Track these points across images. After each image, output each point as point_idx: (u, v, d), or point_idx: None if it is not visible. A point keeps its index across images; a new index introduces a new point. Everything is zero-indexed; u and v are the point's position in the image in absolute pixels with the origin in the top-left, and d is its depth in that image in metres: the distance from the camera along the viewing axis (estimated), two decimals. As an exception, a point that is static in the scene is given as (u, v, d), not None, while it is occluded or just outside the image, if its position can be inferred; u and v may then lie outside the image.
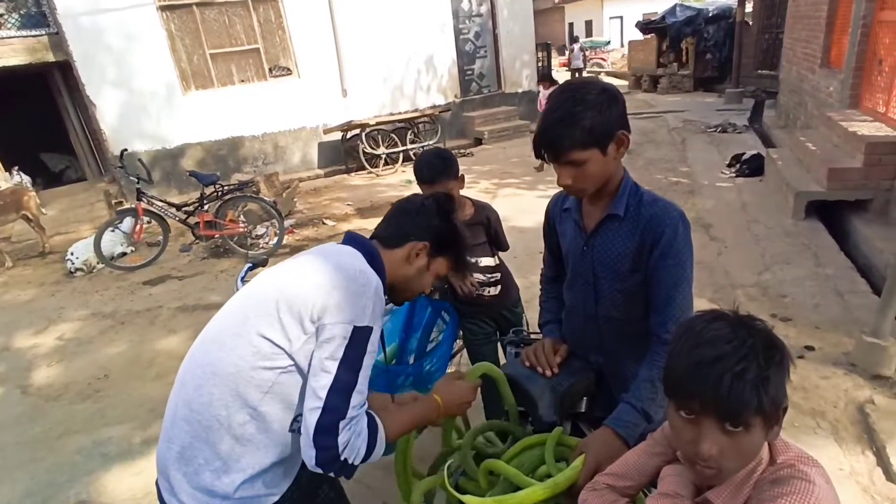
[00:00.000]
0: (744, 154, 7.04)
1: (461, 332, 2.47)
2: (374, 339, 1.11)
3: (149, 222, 5.86)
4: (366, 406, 1.11)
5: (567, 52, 18.48)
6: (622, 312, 1.41)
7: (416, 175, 2.07)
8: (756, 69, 12.99)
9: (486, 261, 2.26)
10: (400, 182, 8.34)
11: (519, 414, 1.64)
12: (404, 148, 9.35)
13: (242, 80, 8.56)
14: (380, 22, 9.53)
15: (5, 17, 7.83)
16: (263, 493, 1.17)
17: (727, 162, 7.17)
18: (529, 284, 2.76)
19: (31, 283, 5.68)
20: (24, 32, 7.70)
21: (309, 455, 1.05)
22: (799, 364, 2.98)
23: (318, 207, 7.35)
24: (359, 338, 1.07)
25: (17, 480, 2.77)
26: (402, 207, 1.34)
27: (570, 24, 30.22)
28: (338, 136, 9.34)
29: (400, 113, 9.98)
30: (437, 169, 2.01)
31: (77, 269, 5.69)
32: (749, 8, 13.48)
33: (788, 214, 5.11)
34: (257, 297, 1.16)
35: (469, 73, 11.09)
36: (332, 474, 1.10)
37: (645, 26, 16.86)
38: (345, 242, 1.27)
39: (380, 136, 9.20)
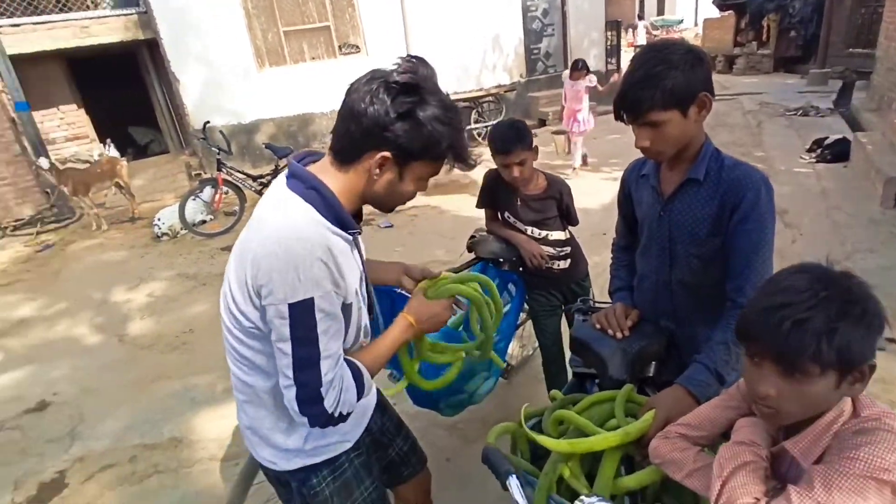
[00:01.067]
0: (826, 138, 6.62)
1: (527, 304, 2.51)
2: (324, 303, 1.00)
3: (227, 192, 6.23)
4: (340, 361, 1.07)
5: (632, 31, 17.86)
6: (697, 277, 1.42)
7: (490, 146, 2.12)
8: (847, 47, 12.01)
9: (557, 234, 2.28)
10: (461, 161, 8.38)
11: (584, 377, 1.70)
12: (468, 127, 9.36)
13: (313, 58, 8.81)
14: (447, 0, 9.51)
15: (102, -3, 8.40)
16: (335, 440, 1.23)
17: (807, 147, 6.77)
18: (594, 265, 2.77)
19: (123, 246, 6.20)
20: (117, 12, 8.24)
21: (303, 422, 1.05)
22: (880, 356, 2.84)
23: (382, 184, 7.53)
24: (298, 313, 0.98)
25: (120, 416, 3.11)
26: (348, 108, 1.03)
27: (641, 2, 28.87)
28: (401, 114, 9.46)
29: (465, 92, 9.97)
30: (510, 139, 2.04)
31: (163, 234, 6.15)
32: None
33: (876, 202, 4.80)
34: (233, 266, 1.10)
35: (535, 52, 10.89)
36: (331, 427, 1.11)
37: (723, 2, 15.90)
38: (287, 180, 1.08)
39: (443, 116, 9.24)
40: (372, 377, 1.16)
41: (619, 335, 1.49)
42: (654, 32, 18.83)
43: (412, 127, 1.00)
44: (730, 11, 15.59)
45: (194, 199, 6.17)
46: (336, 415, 1.05)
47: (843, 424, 0.85)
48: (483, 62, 10.30)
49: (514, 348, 3.03)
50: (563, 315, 2.45)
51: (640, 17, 19.08)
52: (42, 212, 7.42)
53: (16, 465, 2.80)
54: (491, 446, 1.13)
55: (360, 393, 1.10)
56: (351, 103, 1.01)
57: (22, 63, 7.42)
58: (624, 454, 1.23)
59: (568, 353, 2.28)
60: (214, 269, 5.13)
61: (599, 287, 2.53)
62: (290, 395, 1.02)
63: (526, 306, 2.55)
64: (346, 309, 1.10)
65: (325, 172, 1.08)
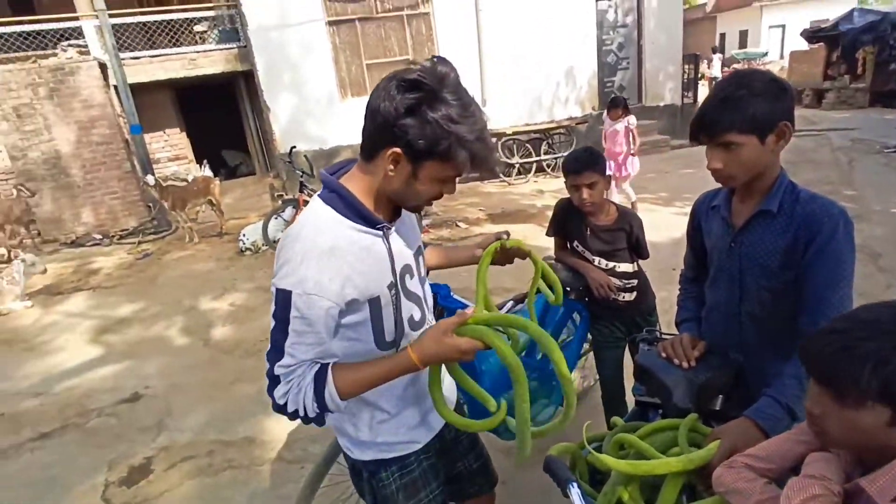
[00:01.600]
0: (931, 178, 6.12)
1: (590, 334, 2.50)
2: (300, 303, 1.02)
3: (306, 212, 6.63)
4: (304, 366, 1.08)
5: (707, 63, 17.45)
6: (767, 310, 1.40)
7: (563, 168, 2.19)
8: (956, 83, 11.10)
9: (625, 266, 2.27)
10: (532, 192, 8.45)
11: (648, 405, 1.69)
12: (538, 158, 9.46)
13: (392, 89, 9.30)
14: (523, 35, 9.75)
15: (208, 32, 9.32)
16: (403, 440, 1.30)
17: (908, 187, 6.29)
18: (661, 299, 2.72)
19: (210, 258, 6.72)
20: (221, 46, 9.11)
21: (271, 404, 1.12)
22: None
23: (452, 210, 7.73)
24: (280, 299, 1.04)
25: (201, 413, 3.36)
26: (368, 106, 1.06)
27: (722, 35, 28.09)
28: (473, 143, 9.70)
29: (536, 123, 10.10)
30: (584, 160, 2.10)
31: (246, 249, 6.62)
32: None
33: None
34: None
35: (609, 84, 10.88)
36: (302, 422, 1.12)
37: (812, 35, 15.19)
38: (321, 190, 1.16)
39: (515, 146, 9.41)
40: (349, 397, 1.11)
41: (685, 364, 1.48)
42: (735, 66, 18.23)
43: (418, 123, 1.00)
44: (820, 44, 14.86)
45: (276, 218, 6.61)
46: (288, 409, 1.08)
47: None
48: (556, 95, 10.41)
49: (575, 378, 3.01)
50: (626, 348, 2.42)
51: (715, 51, 18.58)
52: (144, 223, 8.20)
53: (110, 447, 3.09)
54: (553, 456, 1.17)
55: (320, 403, 1.08)
56: (370, 101, 1.05)
57: (137, 90, 8.34)
58: (685, 483, 1.22)
59: (628, 388, 2.26)
60: (290, 284, 5.44)
61: (667, 322, 2.48)
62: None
63: (589, 336, 2.54)
64: (374, 303, 1.14)
65: (352, 177, 1.14)
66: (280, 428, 3.10)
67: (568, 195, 2.26)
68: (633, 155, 6.20)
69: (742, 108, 1.21)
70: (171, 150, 10.36)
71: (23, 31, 8.11)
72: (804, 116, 12.80)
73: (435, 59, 1.05)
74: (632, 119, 6.14)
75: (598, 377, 2.62)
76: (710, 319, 1.59)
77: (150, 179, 7.07)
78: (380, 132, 1.04)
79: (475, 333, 1.12)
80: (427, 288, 1.35)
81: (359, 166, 1.14)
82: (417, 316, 1.26)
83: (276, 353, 1.07)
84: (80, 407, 3.55)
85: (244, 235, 6.71)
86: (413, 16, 9.20)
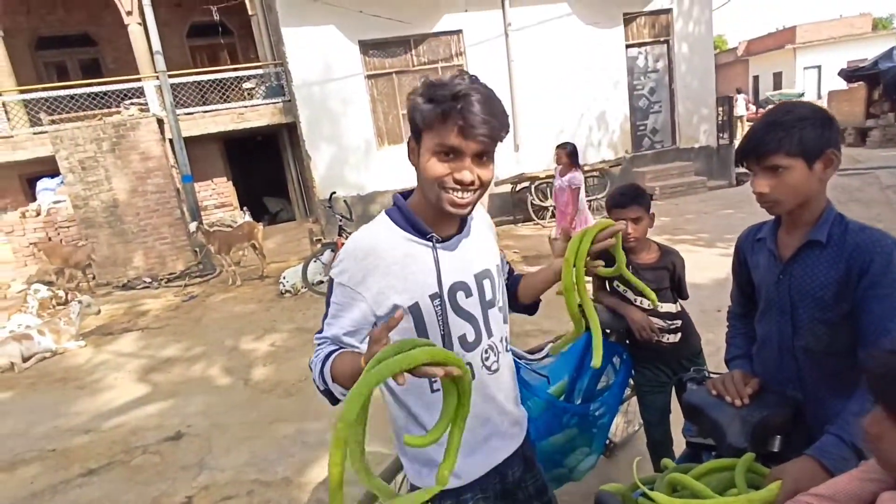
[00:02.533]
0: None
1: (632, 379, 2.42)
2: (338, 290, 1.17)
3: (344, 256, 6.79)
4: (328, 340, 1.17)
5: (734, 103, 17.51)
6: (824, 344, 1.35)
7: (607, 203, 2.21)
8: None
9: (668, 307, 2.21)
10: (565, 233, 8.45)
11: (701, 447, 1.62)
12: (571, 201, 9.49)
13: (427, 137, 9.61)
14: (555, 81, 10.02)
15: (255, 89, 9.93)
16: (456, 467, 1.21)
17: (967, 225, 6.00)
18: (707, 341, 2.64)
19: (252, 300, 6.90)
20: (267, 101, 9.67)
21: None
22: None
23: (486, 252, 7.77)
24: (330, 285, 1.21)
25: (241, 452, 3.39)
26: None
27: (756, 77, 28.07)
28: (507, 187, 9.85)
29: (568, 167, 10.19)
30: (630, 195, 2.12)
31: (286, 291, 6.79)
32: None
33: None
34: None
35: (641, 128, 10.96)
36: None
37: (850, 74, 15.01)
38: None
39: (548, 189, 9.48)
40: (337, 379, 1.07)
41: (737, 402, 1.43)
42: (768, 106, 18.12)
43: (411, 108, 1.13)
44: (859, 83, 14.65)
45: (315, 262, 6.79)
46: (313, 375, 1.15)
47: None
48: (588, 139, 10.54)
49: (618, 424, 2.90)
50: (672, 392, 2.33)
51: (739, 91, 18.52)
52: (190, 267, 8.54)
53: (154, 485, 3.13)
54: (605, 491, 1.14)
55: (320, 379, 1.12)
56: None
57: (189, 143, 8.88)
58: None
59: (675, 434, 2.16)
60: (329, 325, 5.53)
61: (714, 365, 2.40)
62: None
63: (631, 381, 2.45)
64: (415, 311, 1.18)
65: (414, 193, 1.25)
66: (319, 469, 3.09)
67: None
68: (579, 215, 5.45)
69: (790, 132, 1.23)
70: (217, 197, 10.88)
71: (91, 92, 8.84)
72: (849, 155, 12.47)
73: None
74: (576, 176, 5.34)
75: (641, 423, 2.53)
76: (762, 355, 1.55)
77: (191, 226, 7.43)
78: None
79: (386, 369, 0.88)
80: (494, 314, 1.29)
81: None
82: (471, 337, 1.24)
83: (322, 323, 1.21)
84: (125, 444, 3.63)
85: (284, 278, 6.89)
86: (447, 67, 9.59)
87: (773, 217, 1.45)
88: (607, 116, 10.56)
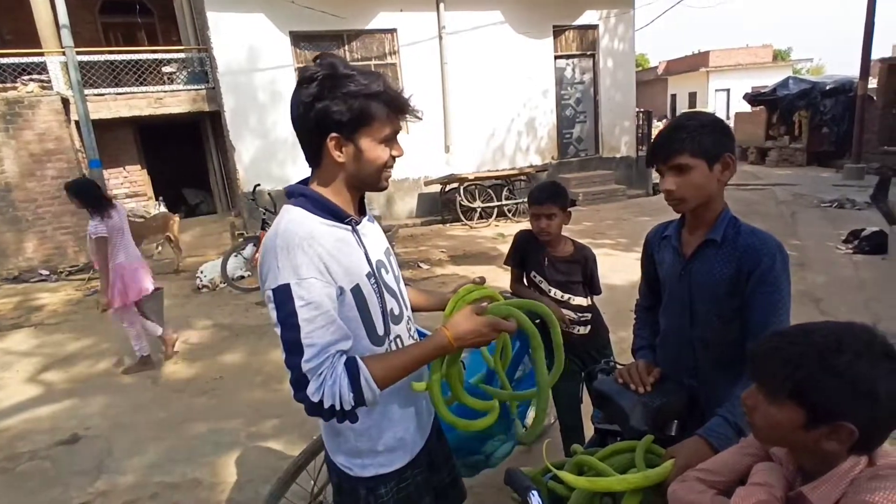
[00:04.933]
0: (863, 230, 6.59)
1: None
2: (301, 290, 1.06)
3: (267, 251, 6.54)
4: (332, 353, 1.08)
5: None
6: (717, 335, 1.47)
7: (528, 199, 2.30)
8: (881, 145, 12.16)
9: (579, 300, 2.35)
10: (493, 235, 8.62)
11: (607, 432, 1.72)
12: (499, 203, 9.71)
13: (358, 134, 9.48)
14: (487, 86, 10.21)
15: (176, 73, 9.36)
16: (401, 445, 1.29)
17: (843, 238, 6.74)
18: (619, 339, 2.80)
19: (165, 295, 6.46)
20: (189, 87, 9.14)
21: (304, 408, 1.11)
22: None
23: (415, 252, 7.78)
24: (280, 298, 1.06)
25: (145, 453, 3.17)
26: (293, 124, 1.17)
27: (673, 96, 30.07)
28: (437, 188, 9.91)
29: (498, 170, 10.42)
30: (548, 191, 2.23)
31: (203, 286, 6.44)
32: (873, 83, 12.81)
33: (916, 295, 4.70)
34: None
35: (567, 136, 11.41)
36: (336, 421, 1.12)
37: (754, 98, 16.46)
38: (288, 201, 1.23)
39: (477, 191, 9.64)
40: (384, 385, 1.13)
41: (640, 389, 1.52)
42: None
43: (332, 102, 1.09)
44: (761, 107, 16.09)
45: (236, 256, 6.49)
46: (325, 406, 1.07)
47: (859, 472, 0.88)
48: (517, 144, 10.84)
49: (531, 415, 3.00)
50: (583, 382, 2.45)
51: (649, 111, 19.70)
52: (95, 260, 7.88)
53: (42, 492, 2.86)
54: (514, 468, 1.17)
55: (357, 392, 1.08)
56: (292, 122, 1.17)
57: (99, 126, 8.21)
58: (643, 501, 1.25)
59: (586, 423, 2.27)
60: (249, 322, 5.30)
61: (626, 360, 2.53)
62: (289, 378, 1.10)
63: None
64: (357, 293, 1.16)
65: (312, 182, 1.22)
66: (231, 469, 2.96)
67: (529, 228, 2.34)
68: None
69: (692, 134, 1.35)
70: (130, 186, 10.15)
71: (-19, 64, 7.96)
72: (751, 172, 13.67)
73: (317, 59, 1.15)
74: (97, 226, 3.78)
75: (556, 413, 2.64)
76: (664, 346, 1.65)
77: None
78: (310, 133, 1.14)
79: (498, 311, 1.28)
80: (402, 287, 1.37)
81: (312, 178, 1.23)
82: (397, 311, 1.29)
83: (295, 352, 1.06)
84: (10, 450, 3.30)
85: (202, 272, 6.54)
86: (381, 66, 9.51)
87: (678, 217, 1.56)
88: (536, 123, 10.91)
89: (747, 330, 1.41)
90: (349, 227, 1.20)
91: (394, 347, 1.26)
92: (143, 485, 2.87)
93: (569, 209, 2.28)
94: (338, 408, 1.08)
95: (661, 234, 1.65)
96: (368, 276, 1.20)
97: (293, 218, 1.14)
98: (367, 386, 1.09)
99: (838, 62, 49.92)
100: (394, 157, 1.21)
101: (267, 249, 1.11)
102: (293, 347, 1.07)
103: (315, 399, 1.06)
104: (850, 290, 5.12)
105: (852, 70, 12.98)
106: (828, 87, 13.96)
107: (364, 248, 1.22)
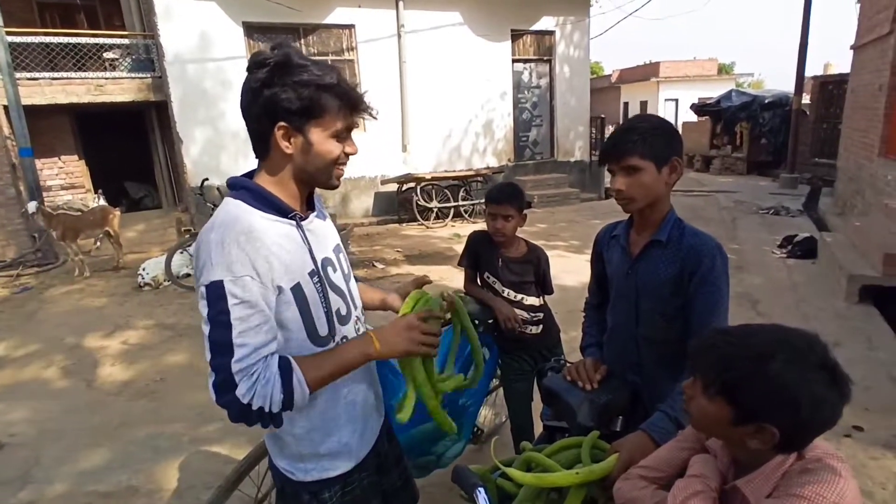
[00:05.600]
0: (796, 236, 6.99)
1: (498, 369, 2.54)
2: (235, 288, 1.01)
3: (215, 248, 6.30)
4: (265, 353, 1.05)
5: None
6: (661, 333, 1.52)
7: (486, 198, 2.30)
8: (812, 157, 12.97)
9: (532, 300, 2.38)
10: (449, 235, 8.64)
11: (555, 429, 1.74)
12: (456, 204, 9.74)
13: (313, 129, 9.29)
14: (445, 87, 10.23)
15: (120, 60, 8.90)
16: (346, 450, 1.25)
17: (778, 243, 7.12)
18: (570, 338, 2.84)
19: (103, 293, 6.15)
20: (133, 74, 8.70)
21: (227, 414, 1.05)
22: (846, 443, 2.91)
23: (370, 251, 7.70)
24: (212, 295, 1.01)
25: (77, 461, 2.99)
26: (242, 112, 1.12)
27: (626, 104, 31.07)
28: (393, 187, 9.85)
29: (455, 171, 10.45)
30: (506, 192, 2.24)
31: (146, 284, 6.14)
32: (806, 98, 13.64)
33: (841, 297, 5.01)
34: None
35: (524, 139, 11.58)
36: (261, 426, 1.08)
37: (700, 109, 17.21)
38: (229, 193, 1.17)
39: (434, 191, 9.64)
40: (315, 387, 1.10)
41: (587, 387, 1.56)
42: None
43: (282, 90, 1.05)
44: (706, 117, 16.84)
45: (182, 252, 6.23)
46: (254, 407, 1.02)
47: (790, 465, 0.93)
48: (475, 145, 10.91)
49: (486, 414, 3.02)
50: (534, 381, 2.48)
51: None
52: (25, 255, 7.40)
53: (-42, 507, 2.65)
54: (461, 465, 1.17)
55: (288, 393, 1.05)
56: (241, 109, 1.12)
57: (32, 112, 7.70)
58: (588, 497, 1.27)
59: (537, 421, 2.30)
60: (194, 321, 5.09)
61: (576, 358, 2.58)
62: (210, 381, 1.03)
63: (498, 372, 2.57)
64: (297, 292, 1.12)
65: (258, 174, 1.16)
66: (171, 475, 2.82)
67: (484, 229, 2.35)
68: None
69: (643, 136, 1.40)
70: (65, 177, 9.58)
71: None
72: (696, 179, 14.27)
73: (274, 48, 1.10)
74: None
75: (507, 413, 2.66)
76: (610, 342, 1.70)
77: (31, 206, 6.44)
78: (258, 121, 1.09)
79: (427, 303, 1.29)
80: (353, 285, 1.34)
81: (259, 170, 1.17)
82: (344, 311, 1.25)
83: (224, 353, 1.01)
84: (-79, 460, 3.04)
85: (144, 270, 6.23)
86: (338, 61, 9.37)
87: (627, 217, 1.61)
88: (493, 125, 11.01)
89: (689, 328, 1.46)
90: (293, 223, 1.15)
91: None
92: (73, 494, 2.70)
93: (524, 211, 2.30)
94: (266, 410, 1.03)
95: (610, 233, 1.69)
96: (311, 274, 1.16)
97: (230, 211, 1.09)
98: (299, 387, 1.06)
99: (777, 77, 53.09)
100: (346, 154, 1.17)
101: (202, 243, 1.06)
102: (221, 347, 1.01)
103: (245, 401, 1.01)
104: (783, 292, 5.41)
105: (789, 85, 13.80)
106: (766, 101, 14.75)
107: (309, 244, 1.17)
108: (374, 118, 1.20)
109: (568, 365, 1.75)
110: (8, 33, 7.28)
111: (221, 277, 1.01)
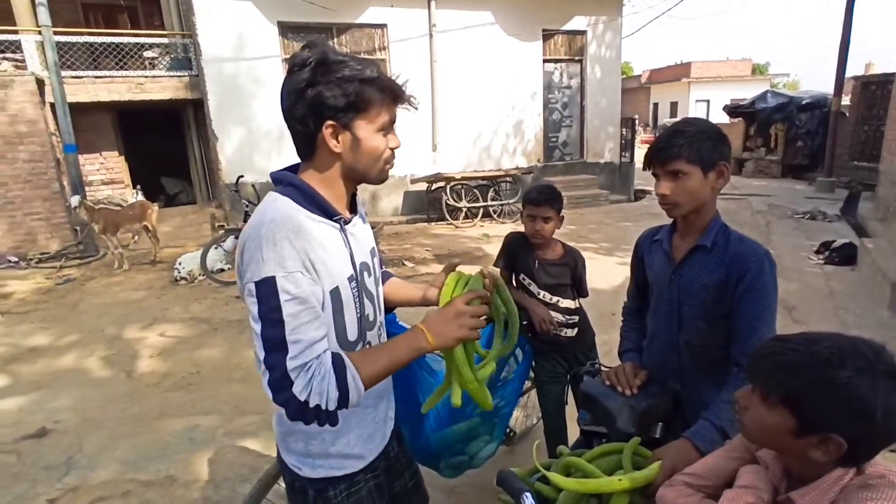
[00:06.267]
0: (834, 242, 6.78)
1: (532, 371, 2.52)
2: (288, 284, 1.00)
3: (248, 244, 6.45)
4: (320, 350, 1.04)
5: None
6: (703, 340, 1.49)
7: (524, 199, 2.31)
8: (852, 160, 12.53)
9: (567, 302, 2.37)
10: (478, 235, 8.63)
11: (593, 434, 1.73)
12: (485, 204, 9.73)
13: (344, 129, 9.41)
14: (475, 87, 10.22)
15: (159, 59, 9.15)
16: (357, 452, 1.25)
17: (815, 248, 6.92)
18: (602, 342, 2.82)
19: (141, 286, 6.34)
20: (171, 73, 8.94)
21: (282, 413, 1.05)
22: (891, 458, 2.82)
23: (400, 250, 7.75)
24: (264, 292, 1.00)
25: (118, 449, 3.09)
26: (284, 115, 1.11)
27: (655, 105, 30.56)
28: (423, 186, 9.89)
29: (484, 171, 10.44)
30: (545, 194, 2.24)
31: (182, 278, 6.31)
32: (846, 100, 13.19)
33: (885, 306, 4.84)
34: None
35: (554, 140, 11.49)
36: (317, 424, 1.05)
37: (733, 110, 16.80)
38: (274, 187, 1.15)
39: (463, 191, 9.65)
40: (368, 384, 1.08)
41: (627, 392, 1.54)
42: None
43: (326, 88, 1.04)
44: (739, 119, 16.42)
45: (216, 248, 6.38)
46: (311, 405, 1.00)
47: (849, 480, 0.89)
48: (504, 146, 10.88)
49: (517, 416, 3.01)
50: (568, 384, 2.47)
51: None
52: (68, 248, 7.67)
53: (7, 487, 2.77)
54: (506, 470, 1.17)
55: (343, 390, 1.03)
56: (284, 112, 1.10)
57: (76, 110, 7.98)
58: (630, 503, 1.26)
59: (570, 424, 2.29)
60: (227, 315, 5.21)
61: (608, 362, 2.55)
62: (264, 381, 1.01)
63: (531, 373, 2.56)
64: (335, 295, 1.11)
65: (303, 172, 1.15)
66: (206, 466, 2.90)
67: (519, 230, 2.35)
68: None
69: (690, 141, 1.37)
70: (106, 172, 9.89)
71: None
72: (728, 182, 13.92)
73: (305, 47, 1.10)
74: None
75: (540, 415, 2.65)
76: (651, 348, 1.67)
77: (74, 200, 6.68)
78: (304, 122, 1.07)
79: (476, 284, 1.26)
80: (381, 290, 1.34)
81: (304, 169, 1.15)
82: (372, 316, 1.25)
83: (278, 350, 0.99)
84: (-27, 442, 3.18)
85: (180, 264, 6.41)
86: (371, 60, 9.44)
87: (670, 222, 1.58)
88: (523, 126, 10.96)
89: (733, 335, 1.44)
90: (337, 226, 1.15)
91: None
92: (114, 481, 2.80)
93: (561, 214, 2.30)
94: (322, 407, 1.01)
95: (651, 238, 1.67)
96: (350, 279, 1.15)
97: (280, 208, 1.07)
98: (354, 384, 1.04)
99: (813, 78, 51.47)
100: (392, 149, 1.16)
101: (250, 238, 1.03)
102: (276, 345, 1.00)
103: (302, 398, 0.99)
104: (820, 299, 5.26)
105: (826, 86, 13.37)
106: (804, 102, 14.30)
107: (350, 248, 1.16)
108: (416, 108, 1.18)
109: (606, 369, 1.73)
110: (55, 33, 7.56)
111: (273, 273, 0.99)
